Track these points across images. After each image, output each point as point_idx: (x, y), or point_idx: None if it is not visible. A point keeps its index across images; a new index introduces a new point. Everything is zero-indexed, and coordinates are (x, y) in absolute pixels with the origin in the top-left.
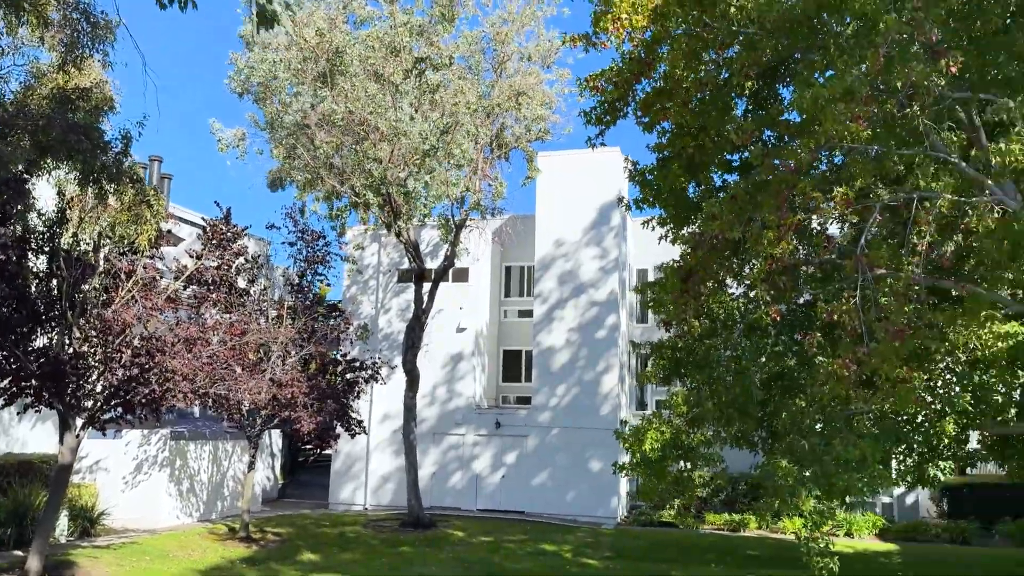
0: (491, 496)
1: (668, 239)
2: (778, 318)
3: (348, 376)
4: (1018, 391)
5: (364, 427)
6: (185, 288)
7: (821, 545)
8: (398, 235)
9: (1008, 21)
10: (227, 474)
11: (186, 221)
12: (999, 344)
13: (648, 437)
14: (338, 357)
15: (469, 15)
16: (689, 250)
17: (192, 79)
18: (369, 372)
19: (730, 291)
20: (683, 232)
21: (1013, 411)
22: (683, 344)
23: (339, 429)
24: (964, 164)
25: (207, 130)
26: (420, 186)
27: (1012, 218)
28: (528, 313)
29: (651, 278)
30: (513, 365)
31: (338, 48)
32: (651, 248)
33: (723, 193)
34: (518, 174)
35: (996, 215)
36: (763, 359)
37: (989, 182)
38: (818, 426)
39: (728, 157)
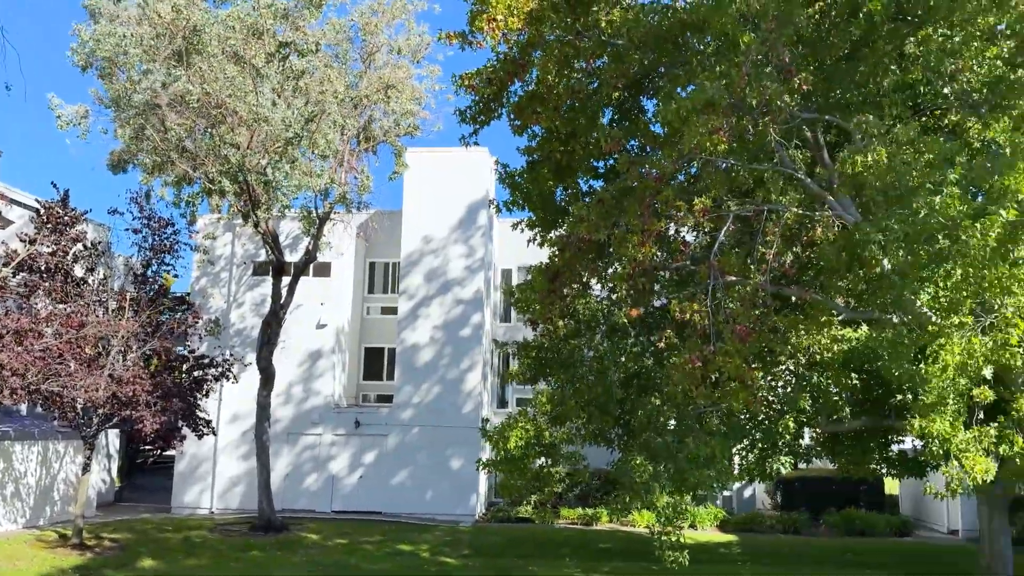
0: (348, 497)
1: (536, 241)
2: (636, 316)
3: (196, 373)
4: (849, 392)
5: (212, 427)
6: (15, 275)
7: (673, 539)
8: (256, 226)
9: (848, 50)
10: (58, 477)
11: (17, 203)
12: (835, 348)
13: (513, 435)
14: (185, 353)
15: (337, 2)
16: (557, 252)
17: (27, 50)
18: (219, 369)
19: (594, 293)
20: (551, 235)
21: (846, 410)
22: (548, 344)
23: (185, 430)
24: (809, 180)
25: (45, 105)
26: (281, 175)
27: (853, 230)
28: (392, 310)
29: (515, 278)
30: (375, 363)
31: (196, 26)
32: (516, 249)
33: (590, 198)
34: (385, 168)
35: (837, 228)
36: (623, 359)
37: (830, 197)
38: (671, 424)
39: (595, 164)
